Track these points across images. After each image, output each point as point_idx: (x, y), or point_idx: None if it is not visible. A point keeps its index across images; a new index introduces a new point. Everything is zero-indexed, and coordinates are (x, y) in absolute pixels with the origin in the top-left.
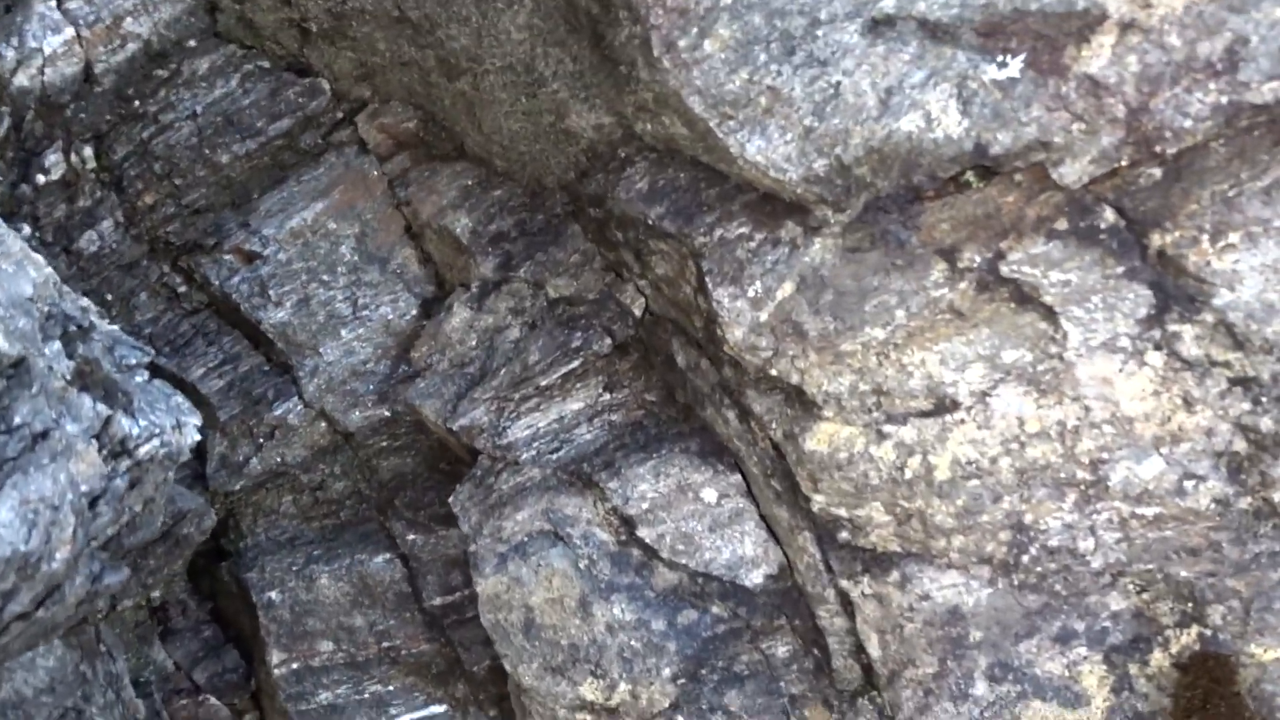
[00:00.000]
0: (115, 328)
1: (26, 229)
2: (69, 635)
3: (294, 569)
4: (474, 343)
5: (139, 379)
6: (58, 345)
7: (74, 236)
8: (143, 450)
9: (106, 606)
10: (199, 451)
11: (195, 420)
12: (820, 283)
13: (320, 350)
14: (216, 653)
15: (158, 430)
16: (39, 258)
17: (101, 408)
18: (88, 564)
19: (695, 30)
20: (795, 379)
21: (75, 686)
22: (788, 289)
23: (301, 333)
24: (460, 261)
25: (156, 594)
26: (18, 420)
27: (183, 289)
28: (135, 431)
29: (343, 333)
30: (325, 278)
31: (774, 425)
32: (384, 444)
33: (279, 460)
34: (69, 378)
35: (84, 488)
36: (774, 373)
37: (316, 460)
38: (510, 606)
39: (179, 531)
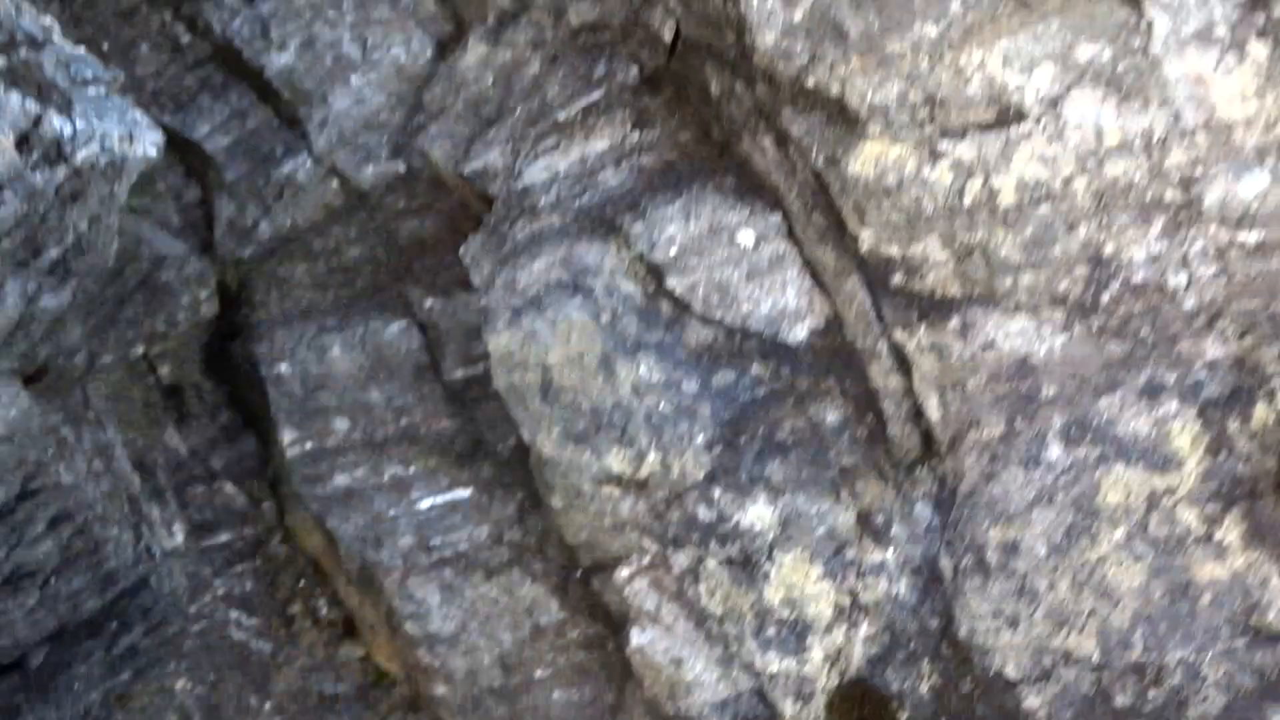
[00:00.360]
0: (80, 50)
1: None
2: (47, 392)
3: (305, 339)
4: (490, 81)
5: (93, 91)
6: None
7: None
8: (81, 155)
9: (85, 364)
10: (206, 217)
11: (154, 137)
12: None
13: (328, 99)
14: (233, 438)
15: (99, 137)
16: None
17: (31, 105)
18: (19, 282)
19: None
20: (835, 89)
21: (43, 444)
22: None
23: (308, 79)
24: None
25: (166, 370)
26: None
27: (186, 39)
28: (69, 132)
29: (352, 79)
30: (330, 15)
31: (814, 150)
32: (401, 205)
33: (289, 224)
34: None
35: None
36: (811, 83)
37: (329, 223)
38: (525, 366)
39: (158, 278)
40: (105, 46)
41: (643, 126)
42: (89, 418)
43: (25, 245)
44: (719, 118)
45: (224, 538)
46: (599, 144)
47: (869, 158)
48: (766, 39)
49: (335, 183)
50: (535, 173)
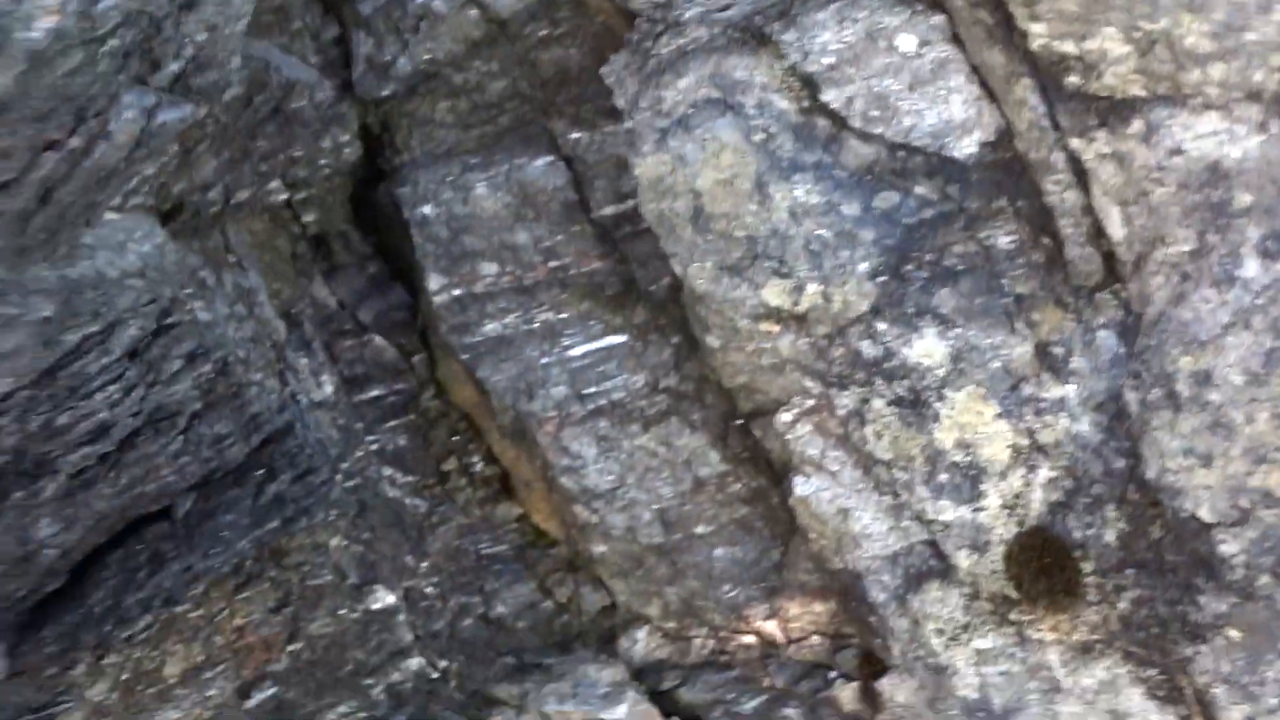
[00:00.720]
0: None
1: None
2: (184, 232)
3: (449, 180)
4: None
5: None
6: None
7: None
8: None
9: (220, 201)
10: (344, 57)
11: None
12: None
13: None
14: (382, 289)
15: None
16: None
17: None
18: (137, 96)
19: None
20: None
21: (177, 279)
22: None
23: None
24: None
25: (312, 219)
26: None
27: None
28: None
29: None
30: None
31: None
32: (543, 32)
33: (429, 58)
34: None
35: None
36: None
37: (470, 56)
38: (675, 193)
39: (289, 106)
40: None
41: None
42: (229, 261)
43: (141, 57)
44: None
45: (375, 392)
46: None
47: None
48: None
49: (474, 11)
50: None
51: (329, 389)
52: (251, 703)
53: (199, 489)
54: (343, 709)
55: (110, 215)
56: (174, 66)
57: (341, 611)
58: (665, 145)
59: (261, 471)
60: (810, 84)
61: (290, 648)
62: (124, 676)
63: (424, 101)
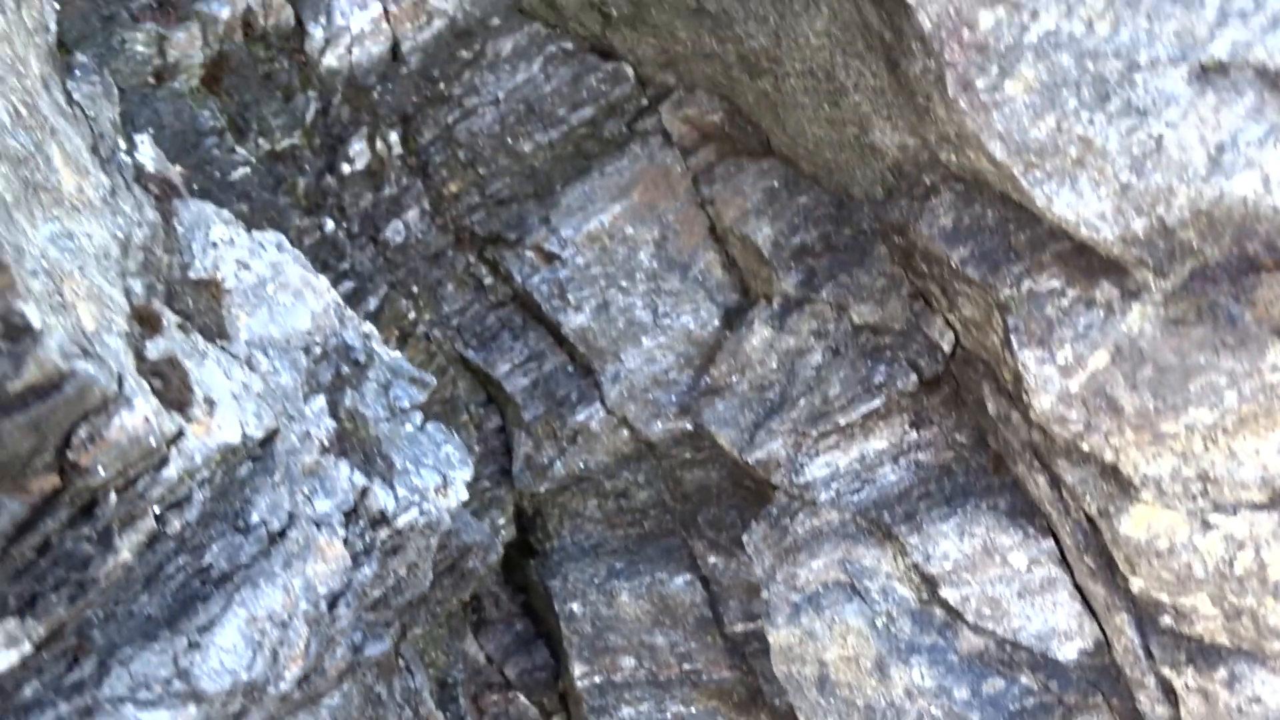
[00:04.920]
0: (397, 355)
1: (330, 223)
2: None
3: (596, 582)
4: (774, 365)
5: (409, 427)
6: (321, 402)
7: (380, 226)
8: (401, 520)
9: (396, 638)
10: (504, 445)
11: (465, 474)
12: (1138, 355)
13: (621, 357)
14: (527, 647)
15: (417, 499)
16: (321, 281)
17: (358, 478)
18: (348, 636)
19: (995, 70)
20: (1109, 456)
21: (365, 712)
22: (1101, 359)
23: (602, 338)
24: (763, 272)
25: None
26: (255, 518)
27: (488, 280)
28: (392, 507)
29: (643, 340)
30: (624, 284)
31: (1087, 499)
32: (687, 455)
33: (582, 465)
34: (327, 443)
35: (322, 589)
36: (1085, 447)
37: (620, 467)
38: (803, 660)
39: (464, 565)
40: (414, 288)
41: (920, 426)
42: (399, 667)
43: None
44: (995, 433)
45: None
46: (878, 443)
47: (1141, 520)
48: (1043, 402)
49: (626, 433)
50: (816, 468)
51: None
52: None
53: None
54: None
55: None
56: (376, 593)
57: None
58: (797, 620)
59: None
60: (930, 581)
61: None
62: None
63: (575, 496)
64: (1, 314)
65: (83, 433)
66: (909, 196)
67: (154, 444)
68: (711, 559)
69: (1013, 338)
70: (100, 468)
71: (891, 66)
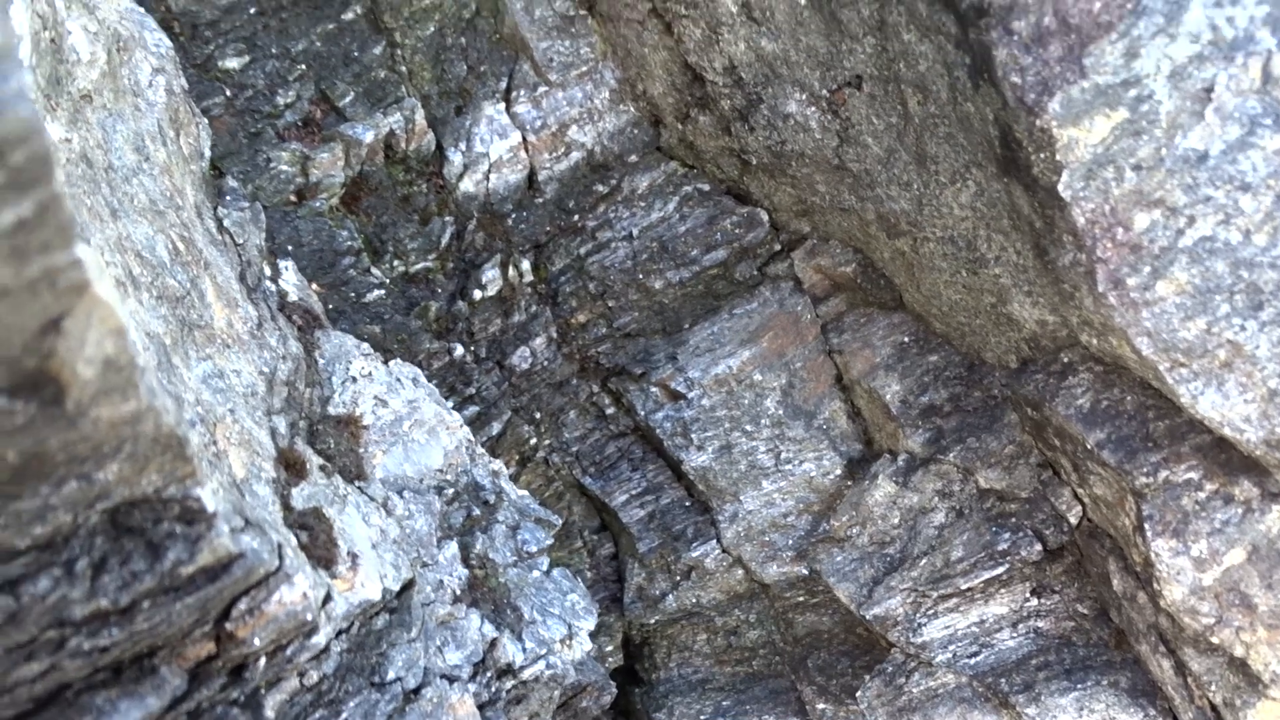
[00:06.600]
0: (525, 495)
1: (459, 348)
2: None
3: (702, 718)
4: (896, 520)
5: (536, 573)
6: (454, 549)
7: (507, 352)
8: (527, 673)
9: None
10: (616, 572)
11: (589, 624)
12: (1275, 555)
13: (740, 498)
14: None
15: (544, 651)
16: (455, 418)
17: (488, 629)
18: None
19: (1148, 270)
20: (1239, 651)
21: None
22: (1237, 556)
23: (722, 479)
24: (889, 427)
25: None
26: (391, 674)
27: (610, 410)
28: (520, 659)
29: (764, 484)
30: (748, 428)
31: (1213, 688)
32: (800, 599)
33: (694, 601)
34: (459, 592)
35: None
36: (1215, 640)
37: (731, 605)
38: None
39: (577, 704)
40: (537, 414)
41: (1041, 594)
42: None
43: None
44: (1119, 609)
45: None
46: (998, 608)
47: (1268, 715)
48: (1174, 592)
49: (740, 572)
50: (934, 629)
51: None
52: None
53: None
54: None
55: None
56: None
57: None
58: None
59: None
60: None
61: None
62: None
63: (685, 630)
64: (179, 498)
65: (243, 605)
66: (1045, 371)
67: (310, 618)
68: (820, 705)
69: (1146, 525)
70: (256, 639)
71: (1039, 251)
